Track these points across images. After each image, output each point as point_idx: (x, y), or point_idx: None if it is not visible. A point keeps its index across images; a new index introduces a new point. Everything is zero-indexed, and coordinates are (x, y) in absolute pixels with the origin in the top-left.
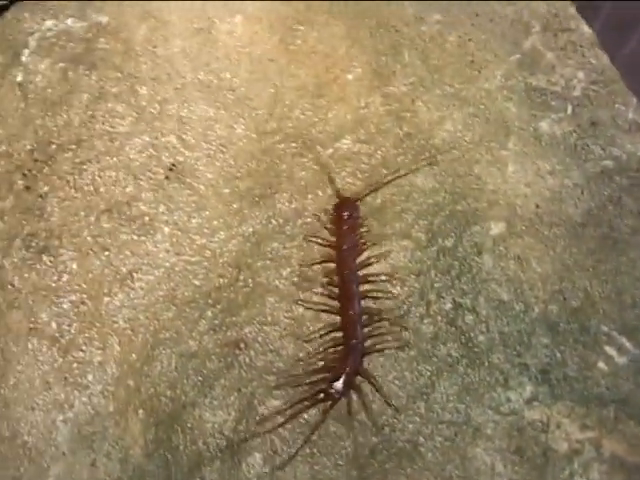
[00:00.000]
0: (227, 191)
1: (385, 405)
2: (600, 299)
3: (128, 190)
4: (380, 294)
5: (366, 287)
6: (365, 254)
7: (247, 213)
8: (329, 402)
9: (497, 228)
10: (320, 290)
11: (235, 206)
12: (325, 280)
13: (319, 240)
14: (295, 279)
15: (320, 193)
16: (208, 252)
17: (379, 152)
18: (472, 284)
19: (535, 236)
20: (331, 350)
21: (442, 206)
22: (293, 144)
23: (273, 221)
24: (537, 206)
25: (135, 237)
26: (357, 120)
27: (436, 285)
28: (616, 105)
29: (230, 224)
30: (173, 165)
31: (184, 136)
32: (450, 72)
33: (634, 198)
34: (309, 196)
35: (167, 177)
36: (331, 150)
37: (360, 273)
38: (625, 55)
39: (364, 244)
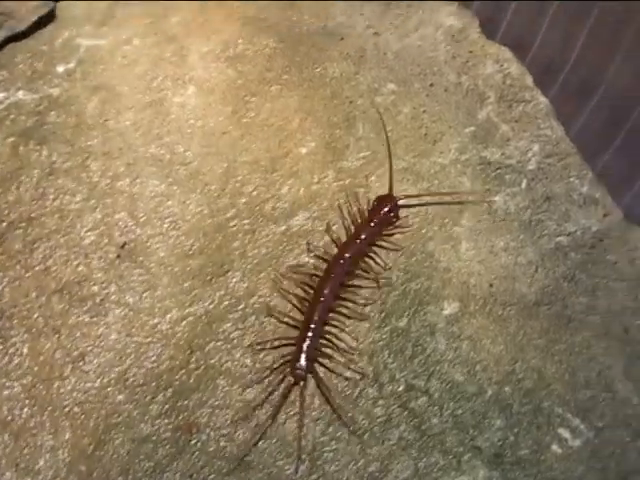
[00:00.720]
0: (179, 269)
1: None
2: (554, 380)
3: (80, 269)
4: (358, 297)
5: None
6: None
7: (199, 292)
8: (298, 384)
9: (450, 308)
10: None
11: (187, 285)
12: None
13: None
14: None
15: (272, 271)
16: (159, 333)
17: (332, 229)
18: (425, 365)
19: (488, 316)
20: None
21: (395, 285)
22: (246, 221)
23: (225, 301)
24: (491, 285)
25: (87, 318)
26: (310, 196)
27: (389, 367)
28: (571, 179)
29: (182, 304)
30: (125, 243)
31: (136, 213)
32: (404, 145)
33: (588, 275)
34: (261, 274)
35: (119, 255)
36: (284, 227)
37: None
38: (580, 125)
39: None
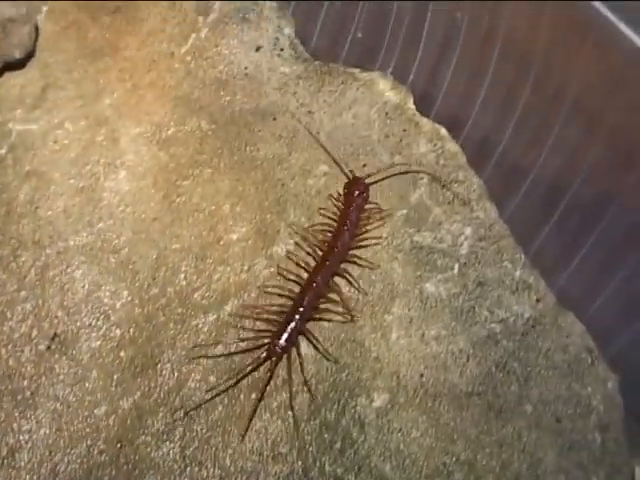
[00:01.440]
0: (109, 361)
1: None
2: (484, 473)
3: (10, 363)
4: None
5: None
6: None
7: (129, 385)
8: (270, 360)
9: (380, 400)
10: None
11: (117, 377)
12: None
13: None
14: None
15: (203, 362)
16: (89, 427)
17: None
18: (355, 459)
19: (419, 407)
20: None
21: (325, 376)
22: (176, 310)
23: (155, 393)
24: (421, 375)
25: (17, 413)
26: (240, 284)
27: (319, 460)
28: (504, 263)
29: (112, 397)
30: (55, 334)
31: (66, 303)
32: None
33: (520, 363)
34: (191, 366)
35: (49, 347)
36: (214, 316)
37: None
38: (514, 206)
39: (364, 225)
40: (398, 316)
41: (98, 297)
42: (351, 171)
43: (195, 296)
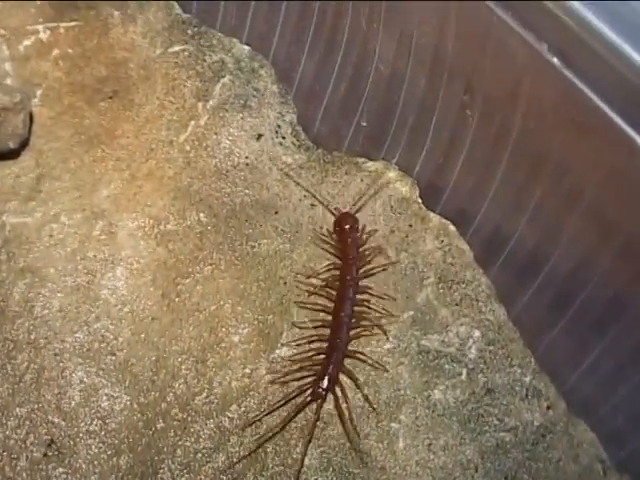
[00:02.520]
0: (107, 469)
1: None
2: None
3: (6, 470)
4: (373, 306)
5: (363, 297)
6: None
7: None
8: (316, 401)
9: None
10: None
11: None
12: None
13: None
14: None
15: (205, 470)
16: None
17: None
18: None
19: None
20: (312, 355)
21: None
22: (176, 416)
23: None
24: None
25: None
26: (242, 389)
27: None
28: (513, 368)
29: None
30: (51, 441)
31: (63, 408)
32: None
33: (530, 474)
34: (192, 474)
35: (45, 454)
36: (215, 422)
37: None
38: (523, 305)
39: (367, 256)
40: (405, 424)
41: (96, 401)
42: (336, 208)
43: (196, 401)
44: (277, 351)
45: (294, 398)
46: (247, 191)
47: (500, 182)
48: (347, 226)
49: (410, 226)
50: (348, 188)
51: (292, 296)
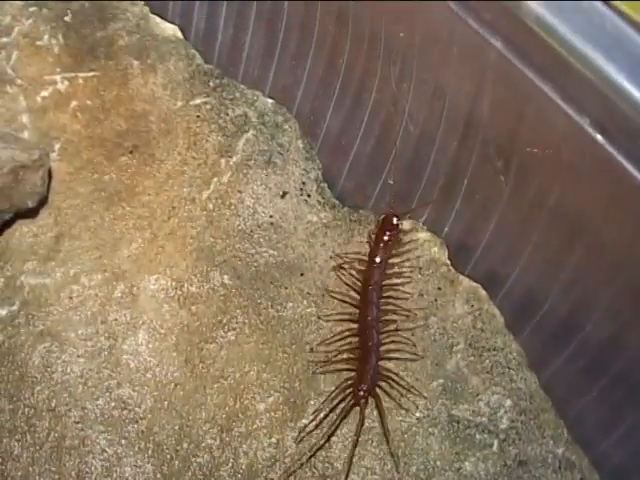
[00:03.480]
0: None
1: None
2: None
3: None
4: (399, 308)
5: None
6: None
7: None
8: (359, 405)
9: None
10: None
11: None
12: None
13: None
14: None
15: None
16: None
17: None
18: None
19: None
20: (345, 357)
21: None
22: None
23: None
24: None
25: None
26: (268, 459)
27: None
28: (545, 439)
29: None
30: None
31: (85, 478)
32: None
33: None
34: None
35: None
36: None
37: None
38: (554, 372)
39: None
40: None
41: (118, 471)
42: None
43: (221, 472)
44: (304, 420)
45: (336, 406)
46: (272, 251)
47: (534, 247)
48: (388, 230)
49: (439, 289)
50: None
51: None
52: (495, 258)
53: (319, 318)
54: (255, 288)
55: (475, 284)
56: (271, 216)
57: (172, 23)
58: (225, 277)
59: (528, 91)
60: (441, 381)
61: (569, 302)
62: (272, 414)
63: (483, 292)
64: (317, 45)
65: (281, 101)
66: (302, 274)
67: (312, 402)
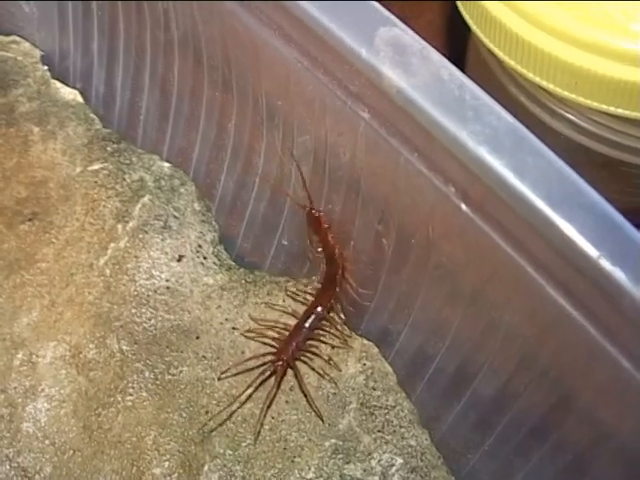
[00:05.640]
0: None
1: None
2: None
3: None
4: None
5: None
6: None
7: None
8: (277, 375)
9: None
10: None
11: None
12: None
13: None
14: None
15: None
16: None
17: None
18: None
19: None
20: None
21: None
22: None
23: None
24: None
25: None
26: None
27: None
28: None
29: None
30: None
31: None
32: (262, 462)
33: None
34: None
35: None
36: None
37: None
38: (447, 428)
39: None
40: None
41: None
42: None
43: None
44: None
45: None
46: (168, 316)
47: (420, 306)
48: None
49: (332, 348)
50: (271, 309)
51: (214, 425)
52: (386, 316)
53: (214, 380)
54: (152, 353)
55: (368, 342)
56: (167, 280)
57: (73, 87)
58: (122, 342)
59: (396, 160)
60: (333, 441)
61: (457, 358)
62: (168, 478)
63: (375, 350)
64: (207, 110)
65: (178, 164)
66: (198, 337)
67: (207, 466)
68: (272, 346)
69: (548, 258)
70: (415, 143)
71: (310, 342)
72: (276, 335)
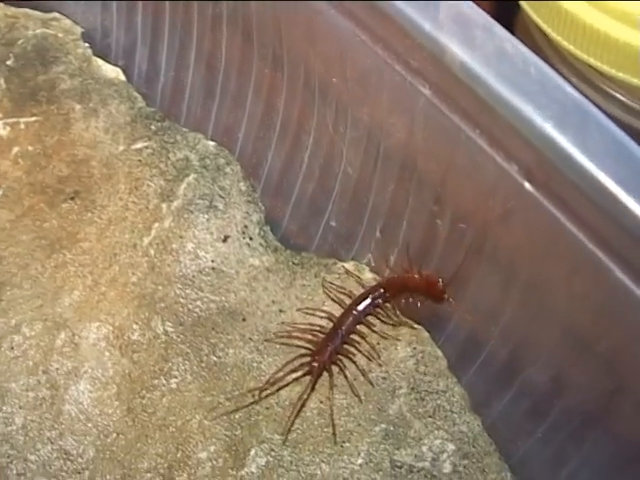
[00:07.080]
0: None
1: None
2: None
3: None
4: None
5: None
6: None
7: None
8: (311, 376)
9: None
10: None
11: None
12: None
13: None
14: None
15: None
16: None
17: None
18: None
19: None
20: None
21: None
22: None
23: None
24: None
25: None
26: None
27: None
28: None
29: None
30: None
31: None
32: (310, 447)
33: None
34: None
35: None
36: None
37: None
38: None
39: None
40: None
41: None
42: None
43: None
44: (246, 469)
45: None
46: (214, 297)
47: (473, 290)
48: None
49: (382, 337)
50: (317, 292)
51: (261, 409)
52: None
53: (260, 363)
54: (197, 335)
55: (418, 326)
56: (212, 261)
57: (115, 65)
58: (167, 324)
59: (457, 137)
60: (383, 426)
61: (510, 344)
62: (214, 462)
63: (426, 334)
64: (255, 87)
65: (223, 143)
66: (244, 319)
67: (253, 450)
68: (321, 332)
69: (614, 238)
70: (477, 119)
71: (360, 327)
72: (324, 324)
